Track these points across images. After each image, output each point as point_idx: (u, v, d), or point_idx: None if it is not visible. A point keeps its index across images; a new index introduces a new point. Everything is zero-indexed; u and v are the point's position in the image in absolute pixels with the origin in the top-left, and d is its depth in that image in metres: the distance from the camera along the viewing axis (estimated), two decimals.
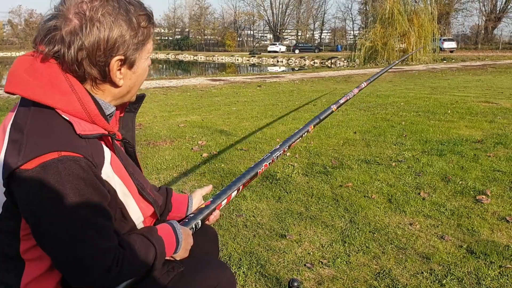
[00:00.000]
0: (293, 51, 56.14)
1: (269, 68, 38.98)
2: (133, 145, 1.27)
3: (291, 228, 2.90)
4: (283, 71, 30.89)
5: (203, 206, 1.47)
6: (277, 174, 3.98)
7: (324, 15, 76.00)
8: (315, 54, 48.18)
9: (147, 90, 11.32)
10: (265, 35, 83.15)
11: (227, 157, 4.60)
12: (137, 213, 1.14)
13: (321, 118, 2.41)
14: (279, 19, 74.35)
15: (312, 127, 2.31)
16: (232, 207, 3.26)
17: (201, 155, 4.67)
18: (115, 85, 1.08)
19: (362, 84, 3.45)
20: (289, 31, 78.57)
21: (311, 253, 2.59)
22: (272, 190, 3.61)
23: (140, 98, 1.26)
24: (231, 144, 5.20)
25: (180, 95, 10.46)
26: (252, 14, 75.74)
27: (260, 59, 51.54)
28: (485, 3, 59.22)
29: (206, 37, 78.42)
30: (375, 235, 2.80)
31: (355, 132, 5.78)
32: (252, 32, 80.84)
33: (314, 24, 75.87)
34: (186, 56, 60.93)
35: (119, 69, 1.06)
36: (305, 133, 2.24)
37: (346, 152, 4.77)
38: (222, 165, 4.31)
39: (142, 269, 1.09)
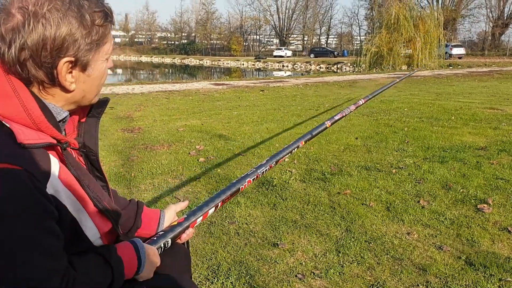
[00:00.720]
0: (309, 55, 57.27)
1: (274, 73, 38.97)
2: (96, 152, 1.16)
3: (284, 237, 2.81)
4: (288, 75, 30.84)
5: (175, 223, 1.38)
6: (273, 180, 3.89)
7: (330, 20, 76.22)
8: (321, 59, 48.10)
9: (150, 94, 11.28)
10: (271, 40, 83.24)
11: (224, 162, 4.52)
12: (92, 229, 1.02)
13: (314, 134, 2.33)
14: (285, 24, 74.46)
15: (303, 142, 2.23)
16: (225, 214, 3.18)
17: (197, 160, 4.59)
18: (66, 89, 0.96)
19: (360, 101, 3.37)
20: (295, 36, 78.63)
21: (303, 263, 2.50)
22: (267, 196, 3.53)
23: (103, 102, 1.14)
24: (229, 149, 5.12)
25: (182, 99, 10.40)
26: (258, 19, 75.92)
27: (266, 64, 51.56)
28: (493, 10, 59.06)
29: (212, 41, 78.67)
30: (371, 244, 2.70)
31: (356, 138, 5.68)
32: (258, 37, 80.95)
33: (320, 29, 75.96)
34: (192, 61, 61.09)
35: (70, 72, 0.95)
36: (295, 149, 2.16)
37: (346, 158, 4.67)
38: (218, 170, 4.23)
39: None
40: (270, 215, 3.17)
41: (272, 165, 1.95)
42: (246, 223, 3.04)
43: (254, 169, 1.83)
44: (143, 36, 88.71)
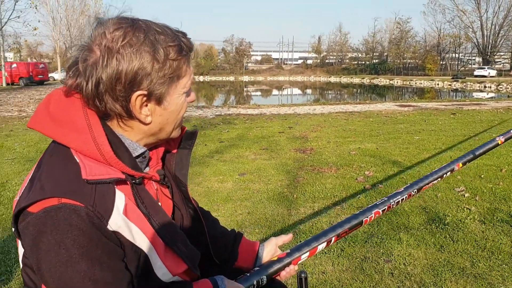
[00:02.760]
0: None
1: (474, 94, 35.33)
2: (185, 184, 1.15)
3: (446, 285, 2.44)
4: (490, 97, 27.59)
5: (275, 258, 1.28)
6: (446, 218, 3.44)
7: None
8: None
9: (330, 115, 11.37)
10: (472, 58, 76.01)
11: (391, 192, 4.20)
12: (162, 269, 0.99)
13: (477, 153, 1.95)
14: (490, 41, 67.09)
15: (461, 164, 1.88)
16: (382, 250, 2.92)
17: (363, 187, 4.37)
18: (142, 122, 0.97)
19: None
20: (501, 54, 70.22)
21: None
22: (435, 236, 3.13)
23: (192, 134, 1.15)
24: (401, 177, 4.75)
25: (362, 120, 10.18)
26: (459, 36, 70.13)
27: (464, 84, 47.18)
28: None
29: (405, 60, 75.70)
30: None
31: None
32: (457, 55, 74.83)
33: None
34: (382, 80, 59.74)
35: (145, 105, 0.95)
36: (448, 173, 1.83)
37: None
38: None
39: None
40: (434, 258, 2.79)
41: (413, 193, 1.69)
42: (404, 264, 2.73)
43: (386, 198, 1.61)
44: (334, 57, 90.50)
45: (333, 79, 72.97)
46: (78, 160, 0.90)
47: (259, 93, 43.28)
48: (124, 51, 0.89)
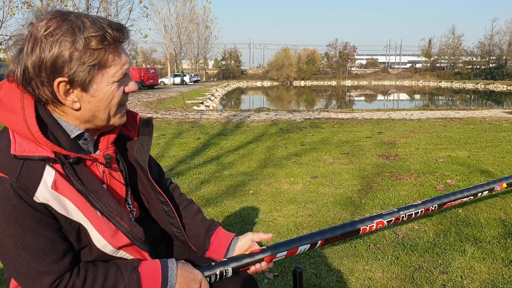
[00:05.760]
0: None
1: None
2: (146, 169, 1.24)
3: None
4: None
5: (247, 252, 1.30)
6: None
7: None
8: None
9: (427, 121, 10.75)
10: None
11: (470, 203, 3.91)
12: (101, 241, 1.08)
13: None
14: None
15: (505, 185, 1.71)
16: (440, 260, 2.76)
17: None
18: (71, 107, 1.06)
19: None
20: None
21: None
22: (506, 251, 2.87)
23: (148, 121, 1.27)
24: None
25: (461, 127, 9.50)
26: None
27: None
28: None
29: None
30: None
31: None
32: None
33: None
34: (498, 86, 54.75)
35: (71, 91, 1.04)
36: (485, 192, 1.68)
37: None
38: (459, 211, 3.68)
39: None
40: (497, 273, 2.57)
41: (432, 208, 1.60)
42: (461, 277, 2.56)
43: (396, 210, 1.54)
44: (446, 61, 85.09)
45: (443, 84, 68.54)
46: (11, 138, 1.02)
47: (362, 98, 42.18)
48: (46, 40, 0.98)
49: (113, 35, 1.04)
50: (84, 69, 1.02)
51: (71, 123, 1.10)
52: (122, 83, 1.10)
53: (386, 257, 2.84)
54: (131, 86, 1.14)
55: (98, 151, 1.19)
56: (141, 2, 17.41)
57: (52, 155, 1.02)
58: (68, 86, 1.03)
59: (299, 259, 2.84)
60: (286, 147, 7.10)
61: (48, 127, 1.06)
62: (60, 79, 1.01)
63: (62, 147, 1.05)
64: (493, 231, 3.22)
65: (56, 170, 1.03)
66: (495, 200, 3.95)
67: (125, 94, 1.13)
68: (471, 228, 3.29)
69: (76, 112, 1.08)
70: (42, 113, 1.06)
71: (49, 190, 1.00)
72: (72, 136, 1.11)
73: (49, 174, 1.01)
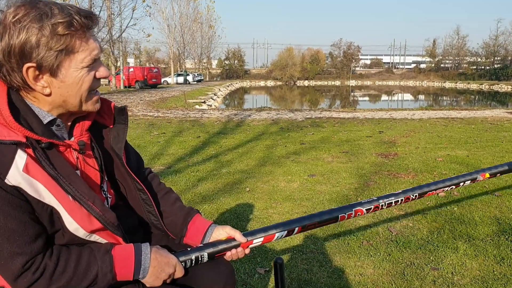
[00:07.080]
0: None
1: None
2: (121, 156, 1.27)
3: None
4: None
5: (223, 239, 1.32)
6: None
7: None
8: None
9: (428, 120, 10.74)
10: None
11: (465, 199, 3.91)
12: (73, 224, 1.10)
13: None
14: None
15: (487, 175, 1.72)
16: (432, 257, 2.77)
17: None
18: (42, 93, 1.08)
19: None
20: None
21: None
22: (499, 248, 2.87)
23: (122, 109, 1.30)
24: (483, 186, 4.39)
25: (462, 127, 9.48)
26: None
27: None
28: None
29: None
30: None
31: None
32: None
33: None
34: (503, 87, 54.48)
35: (41, 77, 1.06)
36: (467, 182, 1.69)
37: None
38: (455, 208, 3.69)
39: (78, 284, 1.07)
40: (488, 270, 2.58)
41: (412, 197, 1.60)
42: (452, 273, 2.57)
43: (376, 198, 1.55)
44: (450, 61, 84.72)
45: (448, 84, 68.28)
46: None
47: (366, 98, 42.07)
48: (14, 27, 1.01)
49: (81, 21, 1.05)
50: (52, 54, 1.04)
51: (43, 108, 1.12)
52: (92, 68, 1.12)
53: (379, 254, 2.85)
54: (102, 71, 1.15)
55: (72, 138, 1.20)
56: (144, 1, 17.45)
57: (24, 140, 1.04)
58: (37, 72, 1.05)
59: (292, 255, 2.86)
60: (285, 146, 7.11)
61: (20, 112, 1.08)
62: (28, 64, 1.03)
63: (34, 132, 1.07)
64: (487, 228, 3.23)
65: (28, 154, 1.05)
66: (491, 198, 3.95)
67: (96, 80, 1.15)
68: (465, 225, 3.30)
69: (47, 97, 1.10)
70: (14, 98, 1.08)
71: (20, 173, 1.02)
72: (45, 121, 1.13)
73: (20, 157, 1.03)
